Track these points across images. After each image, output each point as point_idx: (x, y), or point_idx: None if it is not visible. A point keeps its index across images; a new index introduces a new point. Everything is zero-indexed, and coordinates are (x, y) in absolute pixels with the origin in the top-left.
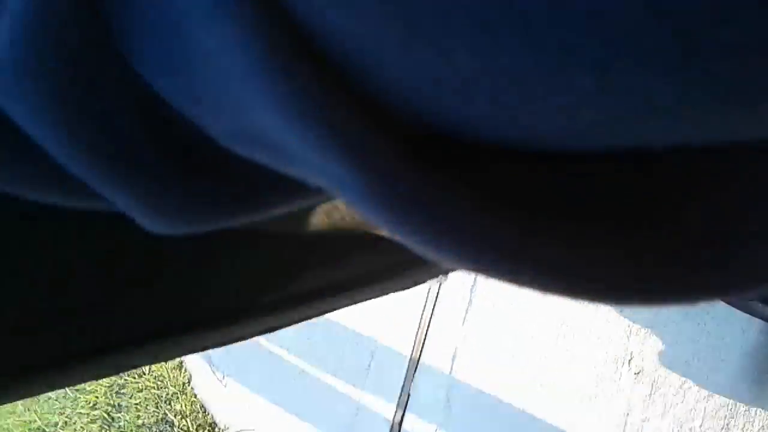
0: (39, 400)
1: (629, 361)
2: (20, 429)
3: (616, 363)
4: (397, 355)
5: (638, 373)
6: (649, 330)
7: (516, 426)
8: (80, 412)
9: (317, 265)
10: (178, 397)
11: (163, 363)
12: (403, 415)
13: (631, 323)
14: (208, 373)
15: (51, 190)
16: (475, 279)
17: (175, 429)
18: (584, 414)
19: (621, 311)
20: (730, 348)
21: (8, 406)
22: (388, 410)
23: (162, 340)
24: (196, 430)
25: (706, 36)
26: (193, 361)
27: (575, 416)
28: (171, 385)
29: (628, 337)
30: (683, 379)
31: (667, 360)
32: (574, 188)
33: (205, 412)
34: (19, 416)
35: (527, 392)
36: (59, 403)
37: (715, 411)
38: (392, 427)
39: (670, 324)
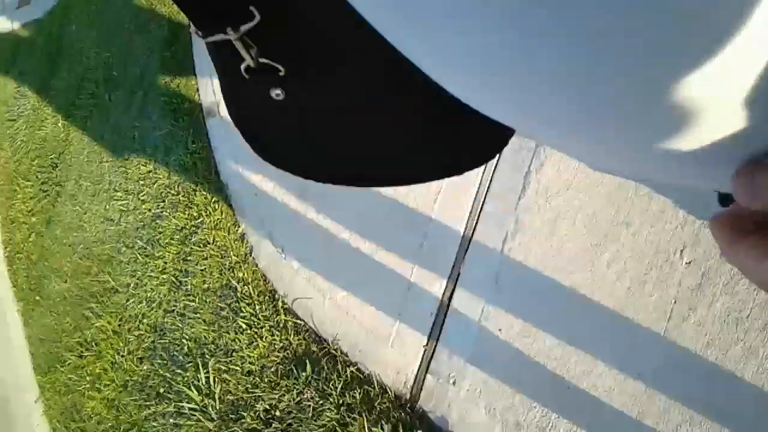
0: (113, 264)
1: (681, 251)
2: (96, 288)
3: (668, 252)
4: (450, 234)
5: (689, 263)
6: (704, 221)
7: (563, 309)
8: (150, 275)
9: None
10: (240, 266)
11: (225, 234)
12: (453, 291)
13: (686, 213)
14: (269, 246)
15: None
16: (529, 166)
17: (238, 294)
18: (632, 300)
19: (677, 202)
20: None
21: (83, 268)
22: (438, 287)
23: None
24: (258, 296)
25: None
26: (254, 234)
27: (623, 302)
28: (233, 255)
29: (682, 227)
30: (734, 270)
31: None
32: None
33: (265, 280)
34: (95, 276)
35: (576, 277)
36: (131, 266)
37: (764, 303)
38: (441, 302)
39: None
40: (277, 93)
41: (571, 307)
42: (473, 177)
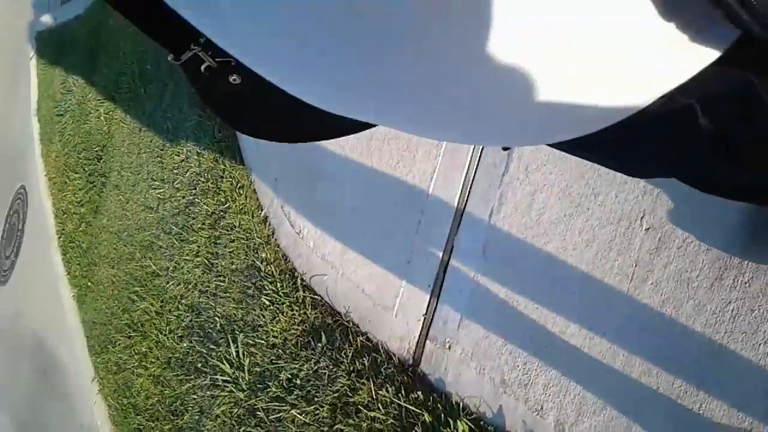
0: (153, 249)
1: (642, 218)
2: (139, 272)
3: (630, 219)
4: (444, 210)
5: (648, 229)
6: (661, 189)
7: (541, 275)
8: (186, 259)
9: None
10: (263, 247)
11: (249, 218)
12: (447, 263)
13: (645, 183)
14: (288, 228)
15: None
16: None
17: (262, 273)
18: (599, 264)
19: None
20: (730, 207)
21: (127, 254)
22: (434, 260)
23: None
24: (279, 274)
25: None
26: (275, 217)
27: (592, 266)
28: (257, 237)
29: (642, 196)
30: (686, 234)
31: (674, 217)
32: None
33: (286, 259)
34: (138, 262)
35: (552, 245)
36: (168, 251)
37: (711, 263)
38: (437, 274)
39: (679, 183)
40: (234, 78)
41: (548, 273)
42: (464, 157)
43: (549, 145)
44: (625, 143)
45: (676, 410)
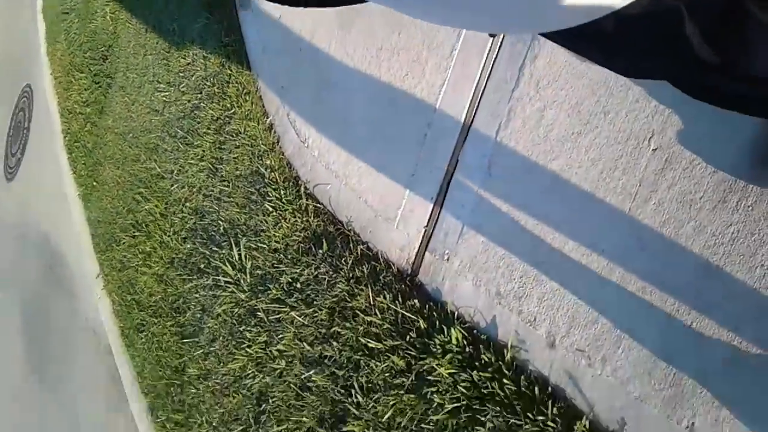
0: (158, 151)
1: (650, 138)
2: (144, 174)
3: (638, 139)
4: (451, 124)
5: (656, 149)
6: (672, 110)
7: (545, 192)
8: (191, 163)
9: None
10: (268, 154)
11: (255, 124)
12: (451, 177)
13: (657, 104)
14: (294, 136)
15: None
16: (524, 58)
17: (266, 180)
18: (603, 183)
19: (650, 92)
20: (741, 130)
21: (132, 155)
22: (438, 173)
23: None
24: (283, 182)
25: None
26: (280, 125)
27: (596, 185)
28: (262, 144)
29: (652, 116)
30: (693, 155)
31: (683, 138)
32: None
33: (290, 167)
34: (143, 164)
35: (558, 162)
36: (173, 154)
37: (716, 185)
38: (441, 187)
39: (691, 102)
40: None
41: (552, 190)
42: (474, 70)
43: (541, 35)
44: (613, 38)
45: (667, 327)
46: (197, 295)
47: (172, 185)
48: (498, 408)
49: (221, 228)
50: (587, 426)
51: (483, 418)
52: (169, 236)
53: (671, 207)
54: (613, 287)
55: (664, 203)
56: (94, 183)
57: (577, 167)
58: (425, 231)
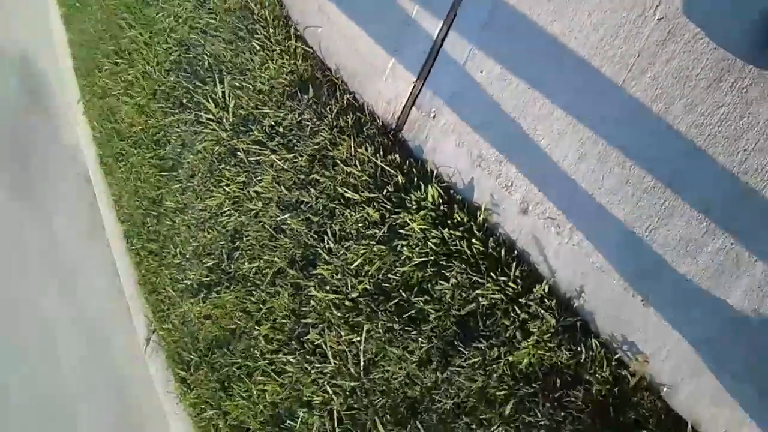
0: None
1: (657, 6)
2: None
3: (645, 7)
4: None
5: (661, 19)
6: None
7: (540, 55)
8: None
9: None
10: None
11: None
12: (446, 33)
13: None
14: None
15: None
16: None
17: (255, 16)
18: (602, 50)
19: None
20: (749, 9)
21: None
22: (433, 27)
23: None
24: (273, 20)
25: None
26: None
27: (593, 51)
28: None
29: None
30: (698, 29)
31: (690, 9)
32: None
33: (281, 6)
34: None
35: (558, 24)
36: None
37: (714, 63)
38: (434, 43)
39: None
40: None
41: (548, 54)
42: None
43: None
44: None
45: (640, 202)
46: (178, 130)
47: (157, 13)
48: (463, 266)
49: (206, 63)
50: (546, 290)
51: (447, 274)
52: (152, 66)
53: (666, 82)
54: (593, 158)
55: (659, 77)
56: (77, 4)
57: (577, 31)
58: (414, 86)
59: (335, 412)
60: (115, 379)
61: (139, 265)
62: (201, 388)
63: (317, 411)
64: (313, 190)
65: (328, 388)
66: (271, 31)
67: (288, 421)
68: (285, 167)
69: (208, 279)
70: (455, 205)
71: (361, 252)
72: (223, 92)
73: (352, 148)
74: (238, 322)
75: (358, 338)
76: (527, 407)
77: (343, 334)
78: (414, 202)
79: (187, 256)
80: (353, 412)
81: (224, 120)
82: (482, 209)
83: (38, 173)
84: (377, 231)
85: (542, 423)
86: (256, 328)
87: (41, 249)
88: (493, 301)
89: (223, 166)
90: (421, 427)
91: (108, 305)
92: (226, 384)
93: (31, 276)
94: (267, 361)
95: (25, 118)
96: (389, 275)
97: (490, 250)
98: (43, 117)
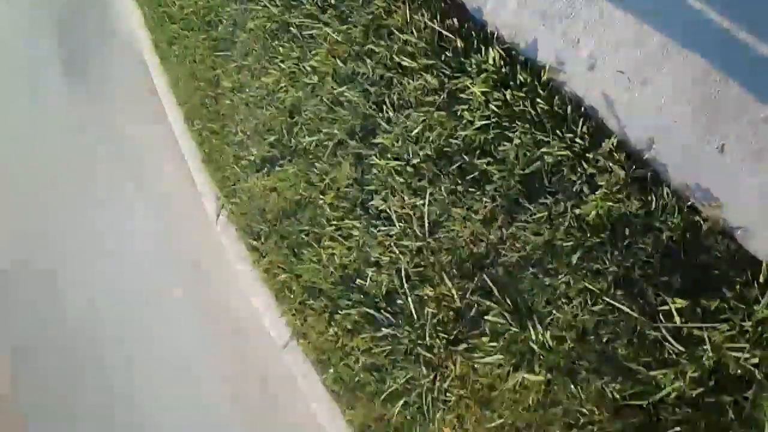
0: None
1: None
2: None
3: None
4: None
5: None
6: None
7: None
8: None
9: None
10: None
11: None
12: None
13: None
14: None
15: None
16: None
17: None
18: None
19: None
20: None
21: None
22: None
23: None
24: None
25: None
26: None
27: None
28: None
29: None
30: None
31: None
32: None
33: None
34: None
35: None
36: None
37: None
38: None
39: None
40: None
41: None
42: None
43: None
44: None
45: (719, 47)
46: (229, 9)
47: None
48: (527, 125)
49: None
50: (614, 144)
51: (511, 134)
52: None
53: None
54: (664, 18)
55: None
56: None
57: None
58: None
59: (403, 270)
60: (191, 254)
61: (202, 145)
62: (273, 255)
63: (385, 270)
64: (369, 61)
65: (395, 249)
66: None
67: (358, 280)
68: (339, 39)
69: (270, 154)
70: (518, 66)
71: (421, 119)
72: None
73: (408, 15)
74: (303, 193)
75: (422, 201)
76: (595, 255)
77: (406, 198)
78: (474, 66)
79: (248, 133)
80: (420, 269)
81: None
82: (546, 69)
83: (96, 66)
84: (436, 97)
85: (610, 270)
86: (321, 197)
87: (103, 135)
88: (558, 158)
89: (276, 42)
90: (488, 279)
91: (176, 186)
92: (296, 250)
93: (99, 166)
94: (333, 227)
95: (81, 4)
96: (450, 140)
97: (556, 107)
98: (97, 4)
